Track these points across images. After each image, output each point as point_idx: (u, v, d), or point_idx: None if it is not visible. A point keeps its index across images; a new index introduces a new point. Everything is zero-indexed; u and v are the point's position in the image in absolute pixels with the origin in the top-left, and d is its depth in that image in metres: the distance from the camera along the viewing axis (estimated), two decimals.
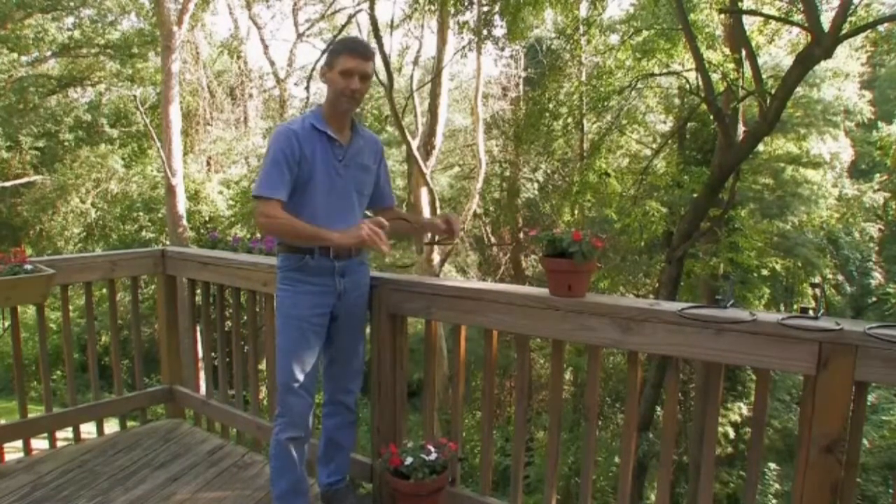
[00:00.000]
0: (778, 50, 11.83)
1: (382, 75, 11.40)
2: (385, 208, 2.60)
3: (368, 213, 2.54)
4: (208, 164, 17.55)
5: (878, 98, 17.23)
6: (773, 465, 12.93)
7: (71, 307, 3.45)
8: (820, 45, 6.23)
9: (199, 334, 5.08)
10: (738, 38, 8.39)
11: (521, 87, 17.28)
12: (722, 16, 8.93)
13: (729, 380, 12.24)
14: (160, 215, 15.17)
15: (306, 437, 2.42)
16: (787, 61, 9.83)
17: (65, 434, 3.39)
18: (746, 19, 8.88)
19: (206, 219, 15.27)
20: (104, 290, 3.92)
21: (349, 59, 2.27)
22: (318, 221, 2.27)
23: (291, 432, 2.37)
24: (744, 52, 7.98)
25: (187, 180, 13.88)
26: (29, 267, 2.81)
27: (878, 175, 16.39)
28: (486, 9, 11.26)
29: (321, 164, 2.30)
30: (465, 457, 2.82)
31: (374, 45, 10.71)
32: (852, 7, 6.85)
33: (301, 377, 2.34)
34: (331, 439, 2.60)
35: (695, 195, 9.84)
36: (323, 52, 20.14)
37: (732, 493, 12.48)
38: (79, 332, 11.96)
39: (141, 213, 15.61)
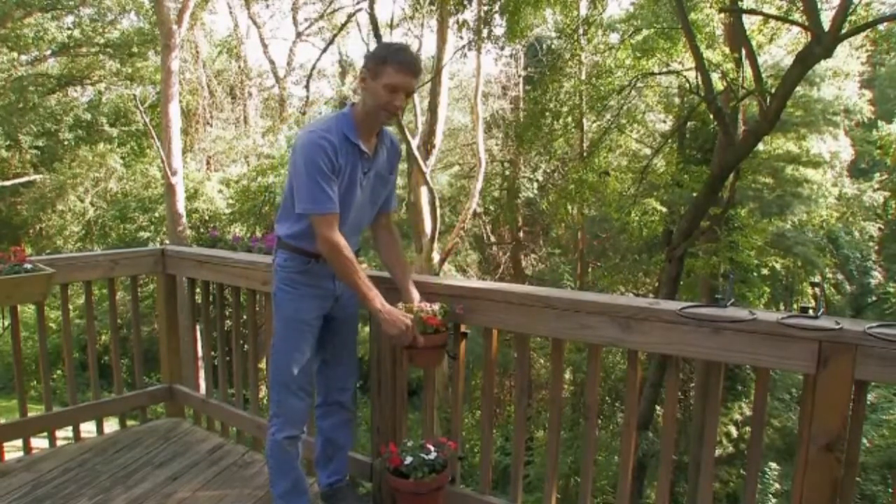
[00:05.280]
0: (778, 49, 11.82)
1: None
2: (386, 213, 2.44)
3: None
4: (208, 162, 17.54)
5: (878, 97, 17.23)
6: (773, 465, 12.92)
7: (71, 306, 3.45)
8: (820, 44, 6.23)
9: (198, 333, 5.08)
10: (737, 38, 8.39)
11: (521, 86, 17.25)
12: (722, 15, 8.93)
13: (729, 379, 12.23)
14: (158, 214, 15.15)
15: (302, 435, 2.44)
16: (787, 60, 9.82)
17: (65, 433, 3.39)
18: (746, 18, 8.88)
19: (206, 217, 15.25)
20: (104, 290, 3.92)
21: (398, 74, 2.06)
22: None
23: (289, 431, 2.37)
24: (744, 52, 7.98)
25: (186, 179, 13.87)
26: (29, 266, 2.81)
27: (877, 174, 16.41)
28: (485, 8, 11.23)
29: (350, 179, 2.19)
30: (464, 455, 2.82)
31: (372, 44, 10.68)
32: (852, 6, 6.85)
33: (300, 378, 2.34)
34: (328, 439, 2.60)
35: (695, 194, 9.85)
36: (325, 48, 20.16)
37: (732, 492, 12.49)
38: (78, 331, 11.95)
39: (139, 214, 15.58)
